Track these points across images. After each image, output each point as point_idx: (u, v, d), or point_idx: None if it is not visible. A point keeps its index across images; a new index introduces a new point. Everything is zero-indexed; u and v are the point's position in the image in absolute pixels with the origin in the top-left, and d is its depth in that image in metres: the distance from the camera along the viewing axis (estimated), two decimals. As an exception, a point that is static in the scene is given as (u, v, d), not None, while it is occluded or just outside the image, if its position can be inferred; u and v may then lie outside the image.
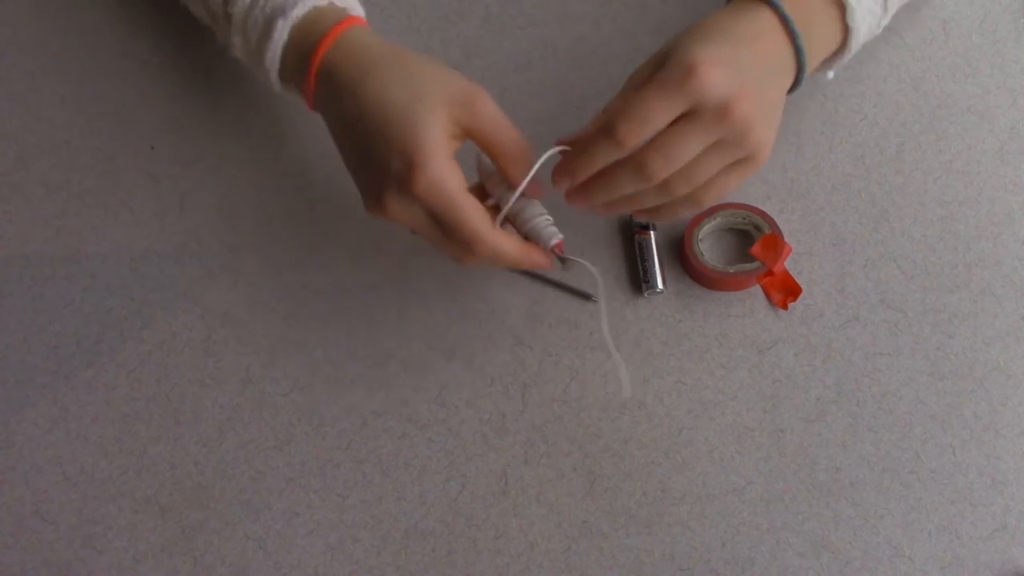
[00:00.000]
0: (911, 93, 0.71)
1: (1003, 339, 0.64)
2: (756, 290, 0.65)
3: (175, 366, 0.64)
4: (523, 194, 0.57)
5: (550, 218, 0.58)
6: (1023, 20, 0.74)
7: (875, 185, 0.68)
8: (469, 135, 0.56)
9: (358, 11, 0.63)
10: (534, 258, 0.57)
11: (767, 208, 0.67)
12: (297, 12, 0.59)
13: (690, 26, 0.56)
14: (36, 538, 0.59)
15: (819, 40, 0.59)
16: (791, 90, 0.58)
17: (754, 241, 0.65)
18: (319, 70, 0.58)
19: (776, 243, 0.64)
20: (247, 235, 0.68)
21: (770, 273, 0.64)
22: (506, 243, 0.56)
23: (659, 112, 0.51)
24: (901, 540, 0.59)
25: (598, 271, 0.58)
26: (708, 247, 0.66)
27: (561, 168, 0.55)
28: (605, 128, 0.52)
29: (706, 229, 0.66)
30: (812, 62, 0.58)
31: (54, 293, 0.66)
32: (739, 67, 0.53)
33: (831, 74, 0.64)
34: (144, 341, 0.65)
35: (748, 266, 0.64)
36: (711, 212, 0.66)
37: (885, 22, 0.63)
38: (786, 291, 0.65)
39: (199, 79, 0.73)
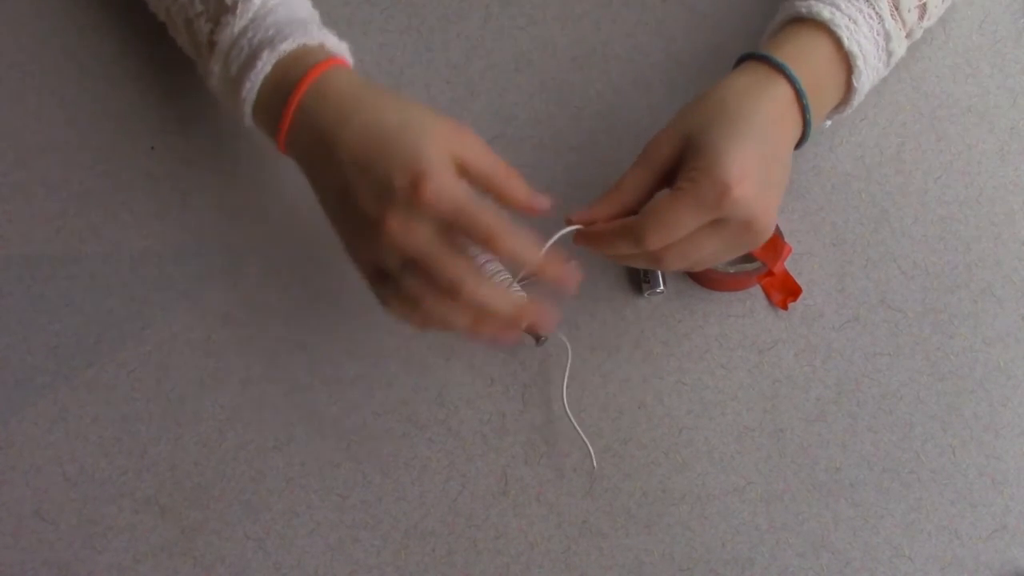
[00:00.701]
0: (911, 93, 0.71)
1: (1003, 339, 0.64)
2: (756, 290, 0.65)
3: (175, 366, 0.64)
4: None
5: (511, 277, 0.59)
6: (1023, 20, 0.74)
7: (875, 185, 0.68)
8: (462, 166, 0.55)
9: (346, 55, 0.62)
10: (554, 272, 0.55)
11: (767, 208, 0.67)
12: (285, 47, 0.59)
13: (718, 106, 0.56)
14: (36, 538, 0.59)
15: (825, 103, 0.61)
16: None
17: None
18: (298, 107, 0.58)
19: (776, 243, 0.64)
20: (247, 235, 0.68)
21: (770, 273, 0.64)
22: (524, 239, 0.54)
23: (689, 225, 0.54)
24: (901, 540, 0.59)
25: (570, 345, 0.61)
26: None
27: (580, 241, 0.57)
28: (634, 232, 0.54)
29: None
30: (815, 125, 0.60)
31: (54, 293, 0.66)
32: (766, 172, 0.55)
33: (828, 123, 0.65)
34: (144, 341, 0.65)
35: (748, 266, 0.64)
36: None
37: (884, 73, 0.64)
38: (786, 291, 0.65)
39: (199, 79, 0.73)
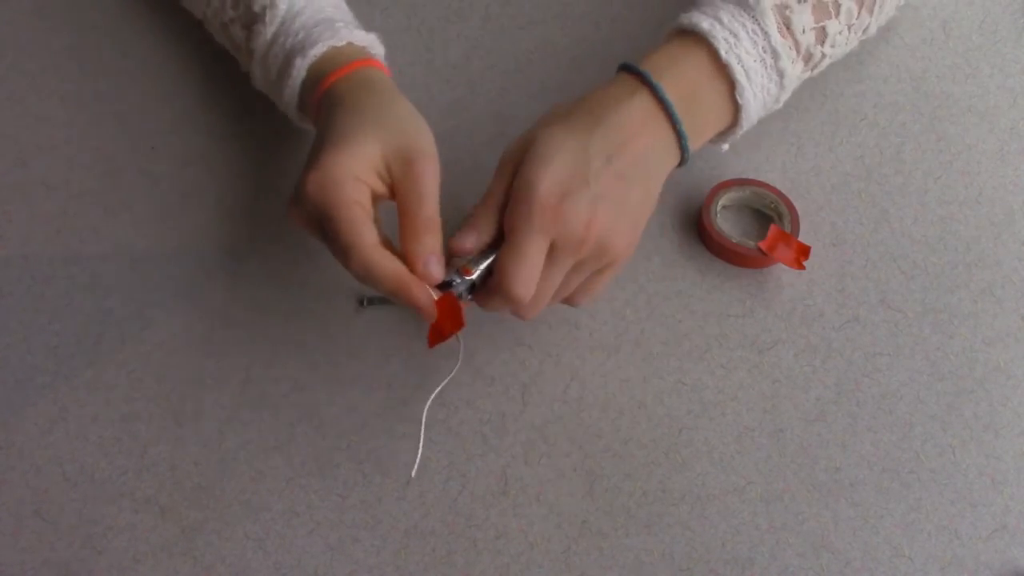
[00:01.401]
0: (911, 93, 0.71)
1: (1003, 339, 0.64)
2: (756, 291, 0.65)
3: (175, 366, 0.64)
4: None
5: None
6: (1023, 20, 0.74)
7: (875, 185, 0.68)
8: (393, 191, 0.56)
9: (377, 49, 0.64)
10: (412, 293, 0.53)
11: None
12: (316, 51, 0.60)
13: (562, 117, 0.56)
14: (36, 538, 0.59)
15: (707, 117, 0.59)
16: (679, 165, 0.59)
17: (770, 226, 0.65)
18: (321, 100, 0.59)
19: (788, 240, 0.64)
20: (247, 235, 0.68)
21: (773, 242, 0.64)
22: (382, 265, 0.53)
23: (537, 258, 0.53)
24: (901, 540, 0.59)
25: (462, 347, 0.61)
26: (725, 218, 0.68)
27: (479, 301, 0.57)
28: (503, 293, 0.54)
29: (728, 199, 0.67)
30: (699, 140, 0.59)
31: (54, 293, 0.66)
32: (587, 185, 0.54)
33: (725, 147, 0.64)
34: (144, 341, 0.65)
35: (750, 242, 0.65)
36: (740, 183, 0.67)
37: (784, 97, 0.62)
38: (798, 253, 0.64)
39: (199, 79, 0.74)
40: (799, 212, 0.66)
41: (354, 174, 0.54)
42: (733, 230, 0.67)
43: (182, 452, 0.62)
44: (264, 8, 0.63)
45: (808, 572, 0.58)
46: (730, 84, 0.59)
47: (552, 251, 0.54)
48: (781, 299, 0.65)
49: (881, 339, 0.64)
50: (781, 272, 0.66)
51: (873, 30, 0.67)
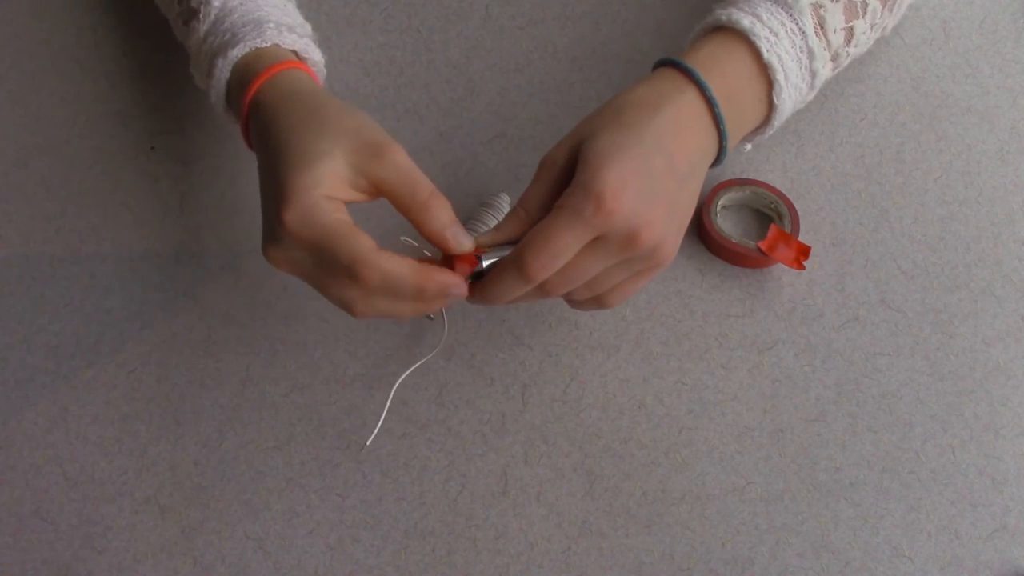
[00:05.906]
0: (911, 93, 0.71)
1: (1003, 339, 0.64)
2: (756, 291, 0.65)
3: (175, 366, 0.64)
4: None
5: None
6: (1023, 20, 0.74)
7: (875, 185, 0.68)
8: (377, 188, 0.52)
9: (313, 54, 0.61)
10: (437, 279, 0.51)
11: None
12: (236, 53, 0.58)
13: (613, 114, 0.53)
14: (36, 538, 0.59)
15: (744, 117, 0.58)
16: (713, 165, 0.58)
17: (770, 226, 0.65)
18: (250, 109, 0.56)
19: (788, 240, 0.64)
20: (247, 235, 0.68)
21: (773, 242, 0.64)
22: (398, 263, 0.50)
23: (569, 245, 0.50)
24: (901, 540, 0.59)
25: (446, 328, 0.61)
26: (725, 218, 0.68)
27: (474, 295, 0.54)
28: (516, 264, 0.51)
29: (728, 199, 0.67)
30: (735, 140, 0.58)
31: (54, 293, 0.66)
32: (653, 183, 0.52)
33: (748, 147, 0.63)
34: (144, 341, 0.65)
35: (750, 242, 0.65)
36: (740, 183, 0.67)
37: (811, 97, 0.62)
38: (798, 252, 0.64)
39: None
40: (799, 212, 0.66)
41: (326, 194, 0.51)
42: (733, 230, 0.67)
43: (182, 452, 0.62)
44: (200, 4, 0.60)
45: (808, 572, 0.58)
46: (768, 84, 0.58)
47: (599, 243, 0.51)
48: (781, 299, 0.65)
49: (881, 339, 0.64)
50: (781, 272, 0.66)
51: (889, 29, 0.67)
